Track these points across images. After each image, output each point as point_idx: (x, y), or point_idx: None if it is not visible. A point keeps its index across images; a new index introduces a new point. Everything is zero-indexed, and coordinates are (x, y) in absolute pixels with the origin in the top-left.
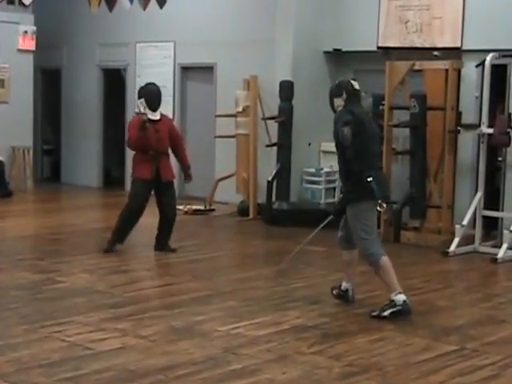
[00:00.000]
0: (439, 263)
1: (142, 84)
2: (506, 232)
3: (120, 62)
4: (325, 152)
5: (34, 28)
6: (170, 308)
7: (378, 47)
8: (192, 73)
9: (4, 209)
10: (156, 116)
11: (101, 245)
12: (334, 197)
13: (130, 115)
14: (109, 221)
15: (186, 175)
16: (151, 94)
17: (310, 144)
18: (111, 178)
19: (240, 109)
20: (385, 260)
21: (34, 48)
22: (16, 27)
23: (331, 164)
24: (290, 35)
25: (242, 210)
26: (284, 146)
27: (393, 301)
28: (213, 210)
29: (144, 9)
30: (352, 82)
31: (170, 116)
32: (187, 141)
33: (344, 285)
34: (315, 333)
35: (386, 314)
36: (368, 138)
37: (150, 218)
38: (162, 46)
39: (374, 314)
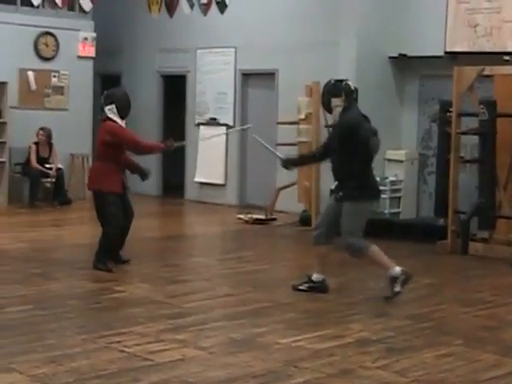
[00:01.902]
0: (509, 276)
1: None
2: None
3: (180, 69)
4: (389, 160)
5: (94, 34)
6: (230, 319)
7: (446, 52)
8: (253, 79)
9: (62, 217)
10: (123, 124)
11: (161, 255)
12: (399, 206)
13: (190, 122)
14: (167, 229)
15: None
16: (124, 101)
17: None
18: (170, 186)
19: (302, 116)
20: (371, 249)
21: (93, 54)
22: (76, 34)
23: (396, 173)
24: (353, 40)
25: (304, 220)
26: None
27: (393, 276)
28: (274, 219)
29: (205, 14)
30: (349, 82)
31: (230, 123)
32: (247, 148)
33: (318, 276)
34: (380, 347)
35: (397, 289)
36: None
37: (205, 227)
38: (223, 51)
39: (389, 295)
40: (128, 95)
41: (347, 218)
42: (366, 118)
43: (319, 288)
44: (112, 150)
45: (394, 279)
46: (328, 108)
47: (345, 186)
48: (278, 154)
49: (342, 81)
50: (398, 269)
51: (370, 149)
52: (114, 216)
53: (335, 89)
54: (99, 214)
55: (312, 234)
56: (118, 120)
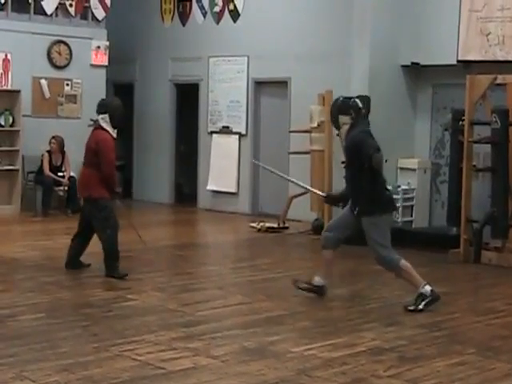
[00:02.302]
0: None
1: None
2: None
3: (193, 77)
4: (402, 169)
5: (107, 43)
6: (243, 328)
7: (458, 60)
8: (266, 87)
9: (75, 225)
10: (115, 133)
11: (171, 262)
12: (411, 215)
13: (202, 131)
14: (181, 238)
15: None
16: (118, 111)
17: (386, 160)
18: (183, 194)
19: (315, 124)
20: (403, 262)
21: (106, 63)
22: (89, 42)
23: (408, 181)
24: (366, 49)
25: (317, 228)
26: None
27: (422, 293)
28: (286, 227)
29: (217, 23)
30: (357, 100)
31: (243, 131)
32: (261, 156)
33: (319, 281)
34: (392, 355)
35: (421, 306)
36: None
37: (218, 236)
38: (236, 60)
39: (411, 308)
40: (122, 106)
41: (370, 231)
42: (370, 134)
43: (317, 292)
44: (98, 158)
45: (422, 296)
46: (336, 125)
47: (359, 201)
48: (316, 191)
49: (350, 98)
50: (428, 288)
51: (373, 165)
52: (108, 219)
53: (343, 106)
54: (92, 221)
55: (322, 235)
56: (110, 129)
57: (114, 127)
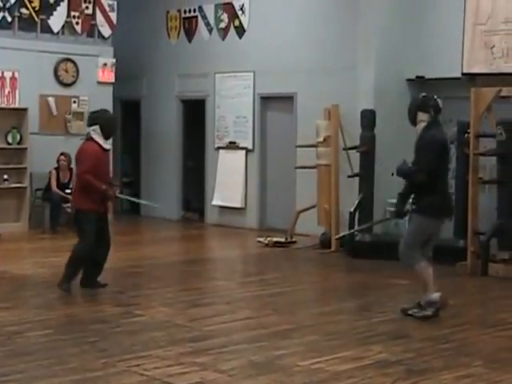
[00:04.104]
0: None
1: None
2: None
3: (199, 93)
4: None
5: (114, 60)
6: (250, 342)
7: (463, 74)
8: (272, 103)
9: None
10: (108, 145)
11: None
12: None
13: (209, 146)
14: (189, 253)
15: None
16: (108, 121)
17: (392, 174)
18: (191, 210)
19: (321, 139)
20: (422, 265)
21: (113, 80)
22: (96, 60)
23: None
24: (371, 63)
25: (324, 242)
26: (366, 176)
27: (431, 301)
28: (294, 242)
29: (223, 39)
30: (438, 100)
31: (250, 146)
32: (267, 171)
33: (433, 296)
34: (399, 368)
35: (428, 313)
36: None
37: (226, 251)
38: (242, 76)
39: (417, 314)
40: (113, 116)
41: (410, 229)
42: (445, 145)
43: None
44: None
45: (429, 304)
46: (413, 122)
47: (420, 199)
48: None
49: (431, 96)
50: (437, 295)
51: (415, 178)
52: (87, 233)
53: (424, 104)
54: (77, 231)
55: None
56: (101, 140)
57: (106, 138)
